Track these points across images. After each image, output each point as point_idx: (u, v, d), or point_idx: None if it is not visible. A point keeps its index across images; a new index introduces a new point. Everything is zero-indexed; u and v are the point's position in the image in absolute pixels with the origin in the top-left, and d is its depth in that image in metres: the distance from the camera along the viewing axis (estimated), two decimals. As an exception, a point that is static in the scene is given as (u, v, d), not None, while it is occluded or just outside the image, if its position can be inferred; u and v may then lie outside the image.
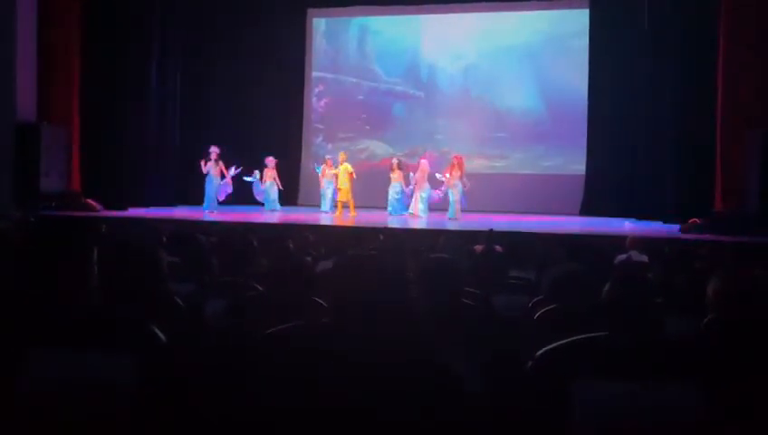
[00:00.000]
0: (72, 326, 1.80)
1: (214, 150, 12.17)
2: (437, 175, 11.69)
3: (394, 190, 12.13)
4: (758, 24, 10.03)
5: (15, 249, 2.00)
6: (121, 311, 2.00)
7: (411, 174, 12.02)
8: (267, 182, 12.53)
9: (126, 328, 1.83)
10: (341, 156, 12.46)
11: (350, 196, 12.08)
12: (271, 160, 12.60)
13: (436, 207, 11.87)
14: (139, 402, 1.74)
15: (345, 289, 1.75)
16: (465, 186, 11.53)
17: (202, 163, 12.14)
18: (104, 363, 1.75)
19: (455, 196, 11.46)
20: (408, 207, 11.90)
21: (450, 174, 11.55)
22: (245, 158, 12.59)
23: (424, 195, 11.78)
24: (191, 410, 1.85)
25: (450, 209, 11.51)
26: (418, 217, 11.61)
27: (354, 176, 12.22)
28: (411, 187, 11.91)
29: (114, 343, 1.79)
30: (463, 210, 11.55)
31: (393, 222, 10.99)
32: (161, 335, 1.82)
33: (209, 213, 11.84)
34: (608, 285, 2.14)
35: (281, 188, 12.74)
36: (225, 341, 2.51)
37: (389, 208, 12.16)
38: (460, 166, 11.54)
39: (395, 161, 12.35)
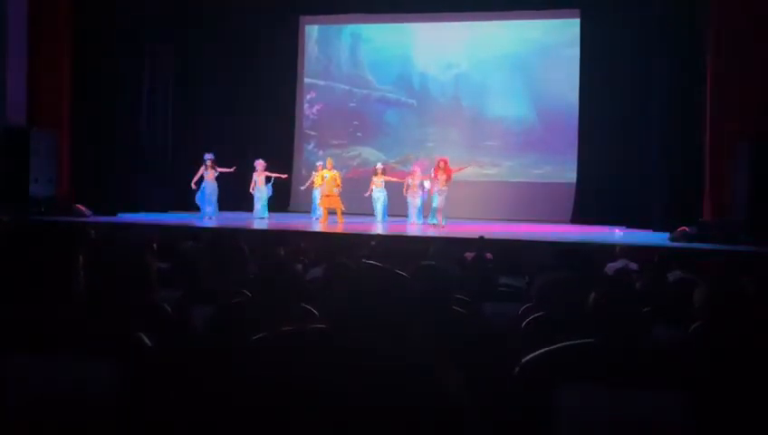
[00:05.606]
0: (56, 333, 1.78)
1: (208, 157, 12.12)
2: (425, 183, 11.46)
3: (378, 197, 11.90)
4: (746, 36, 10.13)
5: (1, 254, 1.98)
6: (107, 317, 1.99)
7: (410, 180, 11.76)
8: (257, 188, 12.26)
9: (111, 334, 1.82)
10: (328, 162, 12.29)
11: (339, 203, 11.90)
12: (260, 164, 12.28)
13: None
14: (125, 410, 1.72)
15: (341, 297, 1.75)
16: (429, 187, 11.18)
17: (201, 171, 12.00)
18: (89, 370, 1.73)
19: (439, 202, 11.17)
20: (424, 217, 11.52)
21: (435, 177, 11.25)
22: (237, 163, 12.52)
23: (417, 201, 11.63)
24: (177, 417, 1.83)
25: (431, 215, 11.32)
26: (415, 224, 11.51)
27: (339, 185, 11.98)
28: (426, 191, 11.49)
29: (99, 349, 1.77)
30: (446, 217, 11.37)
31: (384, 229, 10.98)
32: (147, 341, 1.80)
33: (208, 219, 11.78)
34: (594, 293, 2.15)
35: (268, 182, 12.24)
36: (213, 347, 2.50)
37: (380, 216, 12.05)
38: (446, 169, 11.26)
39: (379, 166, 12.18)
